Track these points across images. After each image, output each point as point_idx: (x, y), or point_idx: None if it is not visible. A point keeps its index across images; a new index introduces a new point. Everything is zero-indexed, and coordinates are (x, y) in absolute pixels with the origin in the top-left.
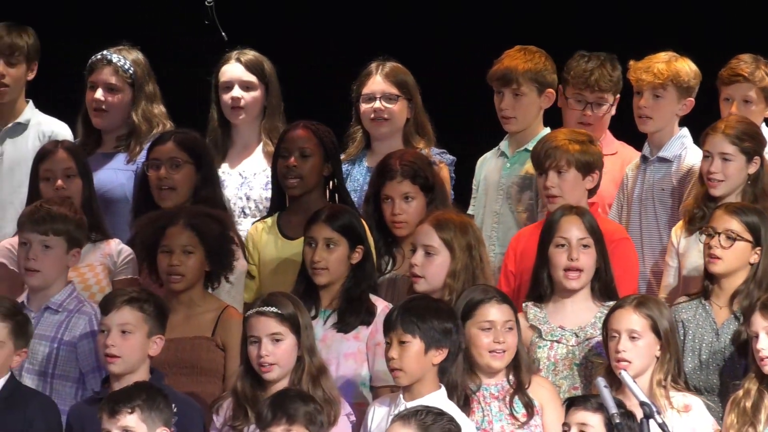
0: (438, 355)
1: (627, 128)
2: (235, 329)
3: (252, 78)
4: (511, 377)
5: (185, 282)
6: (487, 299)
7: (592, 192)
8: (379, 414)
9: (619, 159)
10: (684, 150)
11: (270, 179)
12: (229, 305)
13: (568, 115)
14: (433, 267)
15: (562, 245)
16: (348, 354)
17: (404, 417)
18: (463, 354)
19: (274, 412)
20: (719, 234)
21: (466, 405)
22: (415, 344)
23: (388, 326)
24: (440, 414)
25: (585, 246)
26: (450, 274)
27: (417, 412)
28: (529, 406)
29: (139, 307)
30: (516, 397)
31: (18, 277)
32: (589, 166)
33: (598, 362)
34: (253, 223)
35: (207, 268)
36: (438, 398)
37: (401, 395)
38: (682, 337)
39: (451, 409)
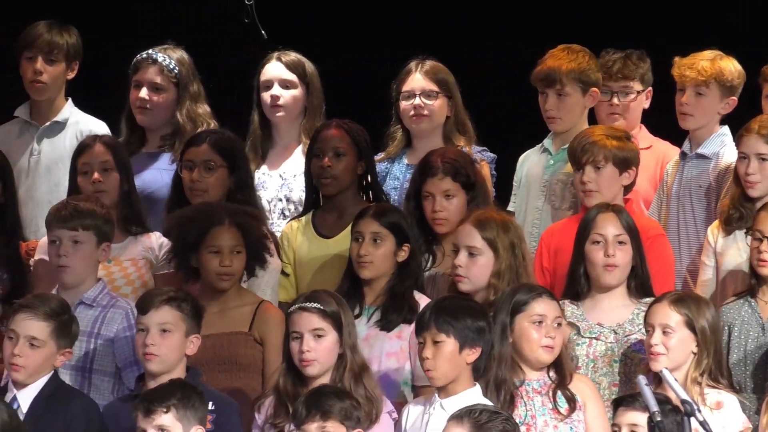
0: (472, 354)
1: (666, 125)
2: (272, 323)
3: (292, 77)
4: (552, 373)
5: (233, 281)
6: (538, 294)
7: (628, 189)
8: (414, 413)
9: (654, 154)
10: (723, 148)
11: None
12: (265, 300)
13: (598, 110)
14: (476, 267)
15: (599, 242)
16: (390, 353)
17: (457, 417)
18: (509, 349)
19: (308, 408)
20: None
21: (510, 400)
22: (450, 344)
23: (422, 326)
24: (496, 413)
25: (621, 243)
26: (494, 274)
27: (471, 411)
28: (572, 401)
29: (178, 306)
30: (559, 392)
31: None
32: (626, 162)
33: (639, 357)
34: (288, 221)
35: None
36: (473, 395)
37: (436, 394)
38: (727, 337)
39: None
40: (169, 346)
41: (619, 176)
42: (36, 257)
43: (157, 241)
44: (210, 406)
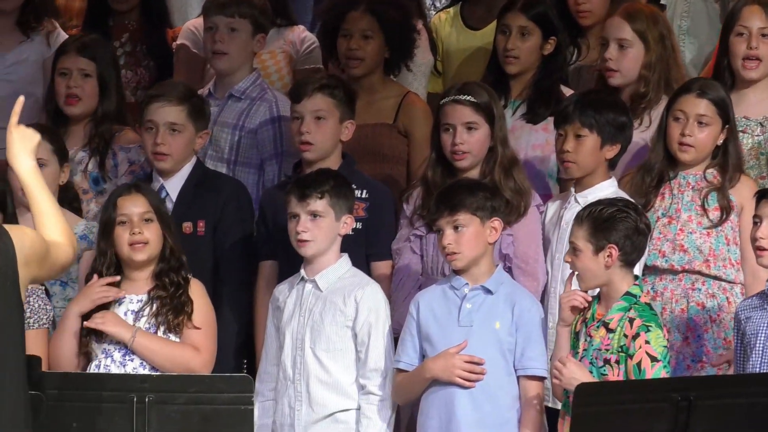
0: (611, 150)
1: None
2: (417, 115)
3: None
4: (713, 172)
5: (363, 67)
6: (687, 90)
7: None
8: (552, 209)
9: None
10: None
11: None
12: (411, 91)
13: None
14: (627, 60)
15: (742, 34)
16: (536, 145)
17: (578, 218)
18: (662, 141)
19: (437, 204)
20: None
21: (657, 187)
22: (592, 139)
23: (564, 118)
24: (615, 206)
25: (765, 36)
26: (645, 66)
27: (590, 209)
28: (725, 209)
29: (330, 93)
30: (713, 193)
31: (198, 61)
32: None
33: None
34: (436, 13)
35: (386, 54)
36: (608, 187)
37: (572, 188)
38: None
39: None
40: (323, 133)
41: None
42: (178, 41)
43: (300, 35)
44: (364, 194)
